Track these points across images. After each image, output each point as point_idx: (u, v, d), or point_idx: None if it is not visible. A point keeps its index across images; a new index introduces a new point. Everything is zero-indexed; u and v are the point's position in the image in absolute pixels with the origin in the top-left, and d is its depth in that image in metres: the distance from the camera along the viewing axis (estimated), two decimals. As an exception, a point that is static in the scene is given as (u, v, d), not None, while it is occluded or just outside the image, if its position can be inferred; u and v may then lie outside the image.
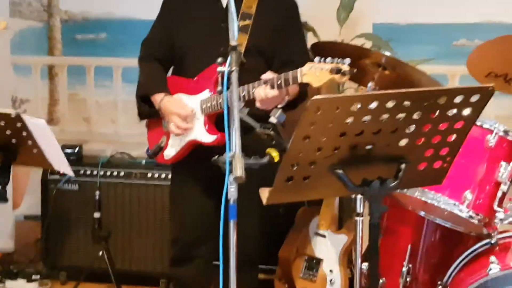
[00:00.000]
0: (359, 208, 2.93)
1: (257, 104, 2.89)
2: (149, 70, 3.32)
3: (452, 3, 4.01)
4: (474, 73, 2.97)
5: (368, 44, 4.07)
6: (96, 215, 4.22)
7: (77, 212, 4.31)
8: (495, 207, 2.81)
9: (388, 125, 2.06)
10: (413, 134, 2.11)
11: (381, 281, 3.13)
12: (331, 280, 3.74)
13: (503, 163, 2.82)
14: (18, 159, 2.73)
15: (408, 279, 3.08)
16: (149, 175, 4.24)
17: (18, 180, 4.57)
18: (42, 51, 4.64)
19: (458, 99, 2.07)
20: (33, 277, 4.33)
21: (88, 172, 4.27)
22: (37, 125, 2.59)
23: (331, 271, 3.75)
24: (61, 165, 2.77)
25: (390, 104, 2.01)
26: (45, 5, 4.60)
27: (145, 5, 4.15)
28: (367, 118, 2.02)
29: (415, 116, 2.07)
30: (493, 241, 2.88)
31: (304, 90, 3.13)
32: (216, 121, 3.07)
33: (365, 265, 3.09)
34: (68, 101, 4.65)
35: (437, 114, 2.08)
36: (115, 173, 4.27)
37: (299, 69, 2.75)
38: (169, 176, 4.03)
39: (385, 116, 2.03)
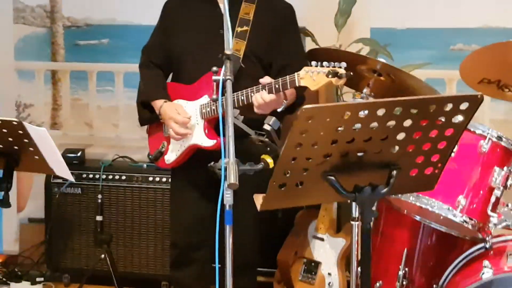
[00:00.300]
0: (355, 212, 2.96)
1: (255, 110, 2.94)
2: (150, 76, 3.36)
3: (449, 8, 4.02)
4: (467, 79, 2.99)
5: (366, 49, 4.11)
6: (99, 218, 4.28)
7: (80, 215, 4.36)
8: (489, 212, 2.83)
9: (378, 133, 2.09)
10: (404, 141, 2.14)
11: (377, 284, 3.16)
12: (329, 283, 3.77)
13: (496, 168, 2.85)
14: (21, 165, 2.78)
15: (404, 283, 3.11)
16: (151, 178, 4.27)
17: (22, 184, 4.64)
18: (45, 56, 4.68)
19: (447, 107, 2.10)
20: (37, 279, 4.38)
21: (91, 176, 4.32)
22: (38, 132, 2.64)
23: (329, 274, 3.77)
24: (62, 171, 2.81)
25: (380, 112, 2.05)
26: (48, 12, 4.64)
27: (147, 11, 4.19)
28: (357, 126, 2.06)
29: (406, 123, 2.10)
30: (487, 246, 2.91)
31: (302, 95, 3.17)
32: (216, 125, 3.10)
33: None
34: (70, 106, 4.70)
35: (427, 122, 2.11)
36: (117, 177, 4.31)
37: (296, 73, 2.80)
38: (170, 179, 4.10)
39: (376, 124, 2.06)
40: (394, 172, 2.19)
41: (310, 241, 3.84)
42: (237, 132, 2.43)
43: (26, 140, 2.66)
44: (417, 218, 3.08)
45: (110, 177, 4.31)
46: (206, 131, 3.13)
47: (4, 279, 4.43)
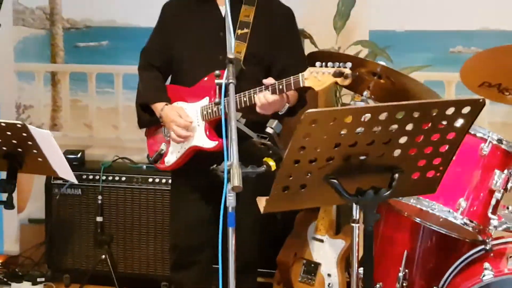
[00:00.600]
0: (356, 215, 2.98)
1: (258, 110, 2.95)
2: (149, 79, 3.36)
3: (448, 10, 4.02)
4: (467, 83, 3.00)
5: (364, 51, 4.12)
6: (99, 219, 4.30)
7: (80, 216, 4.37)
8: (489, 214, 2.85)
9: (381, 137, 2.11)
10: (406, 145, 2.16)
11: (378, 286, 3.18)
12: (329, 284, 3.79)
13: (496, 171, 2.87)
14: (24, 167, 2.78)
15: (404, 284, 3.12)
16: (150, 179, 4.29)
17: (22, 185, 4.65)
18: (45, 58, 4.69)
19: (449, 111, 2.12)
20: (38, 279, 4.39)
21: (91, 177, 4.33)
22: (42, 135, 2.65)
23: (329, 275, 3.80)
24: (65, 173, 2.82)
25: (382, 116, 2.07)
26: (48, 13, 4.65)
27: (146, 13, 4.17)
28: (360, 130, 2.08)
29: (408, 127, 2.12)
30: (487, 248, 2.92)
31: (303, 97, 3.19)
32: (217, 127, 3.12)
33: (361, 269, 3.15)
34: (70, 108, 4.71)
35: (429, 125, 2.13)
36: (117, 178, 4.32)
37: (300, 74, 2.81)
38: (169, 181, 4.11)
39: (378, 128, 2.08)
40: (396, 175, 2.22)
41: (309, 243, 3.86)
42: (239, 135, 2.44)
43: (30, 143, 2.66)
44: (417, 220, 3.09)
45: (110, 178, 4.33)
46: (207, 132, 3.14)
47: (5, 279, 4.44)
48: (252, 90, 2.96)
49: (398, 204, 3.03)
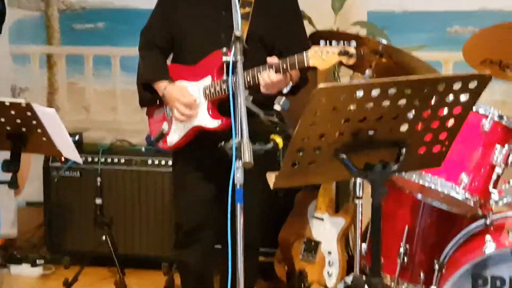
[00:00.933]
0: (359, 191, 3.02)
1: (262, 89, 2.96)
2: (151, 58, 3.35)
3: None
4: (469, 60, 3.04)
5: (363, 32, 4.14)
6: (98, 201, 4.32)
7: (79, 198, 4.40)
8: (490, 189, 2.90)
9: (389, 112, 2.13)
10: (413, 119, 2.19)
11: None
12: (329, 261, 3.83)
13: (497, 147, 2.91)
14: (28, 147, 2.78)
15: (405, 259, 3.18)
16: (149, 161, 4.32)
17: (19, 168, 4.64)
18: (41, 40, 4.69)
19: (456, 86, 2.15)
20: (37, 261, 4.41)
21: (89, 159, 4.35)
22: (47, 113, 2.65)
23: (329, 252, 3.83)
24: (70, 152, 2.82)
25: (391, 91, 2.10)
26: (43, -5, 4.66)
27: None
28: (369, 105, 2.10)
29: (415, 102, 2.15)
30: (488, 222, 2.97)
31: (305, 77, 3.20)
32: (219, 106, 3.12)
33: (364, 246, 3.20)
34: (67, 90, 4.71)
35: (436, 100, 2.16)
36: (115, 160, 4.35)
37: (304, 53, 2.82)
38: (169, 162, 4.14)
39: (387, 102, 2.11)
40: (403, 150, 2.24)
41: (310, 221, 3.90)
42: (246, 112, 2.45)
43: (34, 122, 2.66)
44: (419, 196, 3.13)
45: (109, 160, 4.35)
46: (210, 112, 3.14)
47: (3, 262, 4.45)
48: (255, 68, 2.97)
49: (400, 181, 3.07)
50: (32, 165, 4.60)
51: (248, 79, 2.97)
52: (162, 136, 3.32)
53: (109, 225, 4.26)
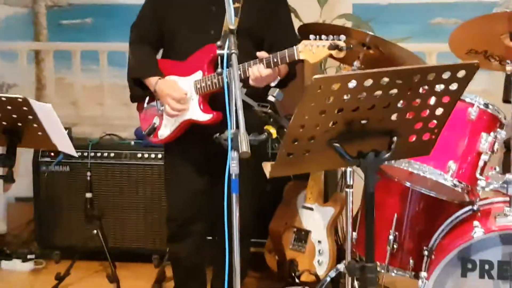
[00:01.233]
0: (350, 180, 3.08)
1: (251, 82, 3.01)
2: (141, 53, 3.37)
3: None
4: (455, 50, 3.10)
5: (348, 25, 4.19)
6: (88, 195, 4.35)
7: (69, 193, 4.44)
8: (477, 176, 2.95)
9: (381, 101, 2.19)
10: (404, 108, 2.25)
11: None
12: (319, 250, 3.89)
13: (483, 134, 2.97)
14: (23, 141, 2.81)
15: (395, 246, 3.22)
16: (139, 155, 4.36)
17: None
18: (28, 37, 4.70)
19: (445, 75, 2.21)
20: (28, 256, 4.44)
21: (79, 154, 4.36)
22: (43, 108, 2.68)
23: (319, 241, 3.89)
24: (65, 146, 2.86)
25: (383, 81, 2.16)
26: (30, -8, 4.67)
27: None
28: (362, 94, 2.16)
29: (406, 92, 2.22)
30: (475, 208, 3.04)
31: (294, 70, 3.26)
32: (210, 100, 3.17)
33: (354, 234, 3.26)
34: (55, 86, 4.74)
35: (426, 89, 2.22)
36: (105, 154, 4.39)
37: (294, 47, 2.87)
38: (159, 155, 4.19)
39: (379, 92, 2.17)
40: (395, 138, 2.30)
41: (299, 211, 3.96)
42: (240, 104, 2.50)
43: (30, 117, 2.70)
44: (408, 184, 3.19)
45: (99, 154, 4.38)
46: (201, 106, 3.18)
47: (-7, 258, 4.48)
48: (246, 63, 3.02)
49: (390, 169, 3.13)
50: (22, 160, 4.65)
51: (239, 72, 3.01)
52: (154, 130, 3.35)
53: (100, 218, 4.29)
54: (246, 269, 3.70)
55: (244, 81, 2.99)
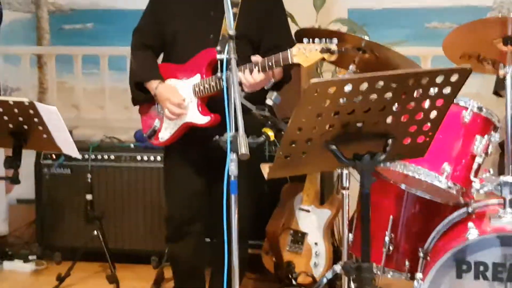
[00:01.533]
0: (346, 182, 3.13)
1: (244, 88, 3.05)
2: (143, 58, 3.43)
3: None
4: (449, 54, 3.15)
5: (343, 29, 4.23)
6: (88, 197, 4.41)
7: (70, 195, 4.49)
8: (472, 178, 2.99)
9: (376, 104, 2.24)
10: (399, 112, 2.30)
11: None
12: (316, 252, 3.94)
13: (477, 137, 3.01)
14: (29, 143, 2.86)
15: (391, 248, 3.26)
16: (138, 158, 4.41)
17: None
18: (31, 41, 4.76)
19: (439, 79, 2.27)
20: (30, 257, 4.48)
21: (79, 156, 4.41)
22: (49, 111, 2.72)
23: (316, 243, 3.94)
24: (69, 149, 2.91)
25: (378, 85, 2.22)
26: (33, -3, 4.73)
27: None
28: (358, 98, 2.22)
29: (401, 95, 2.27)
30: (470, 210, 3.06)
31: (289, 73, 3.30)
32: (208, 103, 3.22)
33: (350, 236, 3.31)
34: (57, 89, 4.79)
35: (420, 93, 2.28)
36: (105, 157, 4.45)
37: (288, 50, 2.93)
38: (158, 158, 4.24)
39: (374, 96, 2.22)
40: (390, 141, 2.36)
41: (296, 213, 4.00)
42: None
43: (36, 120, 2.73)
44: (403, 187, 3.23)
45: (99, 157, 4.44)
46: (200, 109, 3.23)
47: (-5, 258, 4.52)
48: (242, 66, 3.05)
49: (385, 172, 3.17)
50: (24, 163, 4.65)
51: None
52: (154, 132, 3.40)
53: (100, 220, 4.33)
54: (244, 270, 3.74)
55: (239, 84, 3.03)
